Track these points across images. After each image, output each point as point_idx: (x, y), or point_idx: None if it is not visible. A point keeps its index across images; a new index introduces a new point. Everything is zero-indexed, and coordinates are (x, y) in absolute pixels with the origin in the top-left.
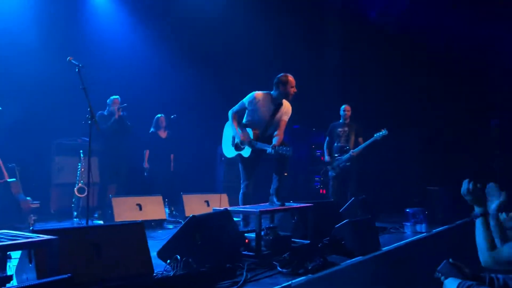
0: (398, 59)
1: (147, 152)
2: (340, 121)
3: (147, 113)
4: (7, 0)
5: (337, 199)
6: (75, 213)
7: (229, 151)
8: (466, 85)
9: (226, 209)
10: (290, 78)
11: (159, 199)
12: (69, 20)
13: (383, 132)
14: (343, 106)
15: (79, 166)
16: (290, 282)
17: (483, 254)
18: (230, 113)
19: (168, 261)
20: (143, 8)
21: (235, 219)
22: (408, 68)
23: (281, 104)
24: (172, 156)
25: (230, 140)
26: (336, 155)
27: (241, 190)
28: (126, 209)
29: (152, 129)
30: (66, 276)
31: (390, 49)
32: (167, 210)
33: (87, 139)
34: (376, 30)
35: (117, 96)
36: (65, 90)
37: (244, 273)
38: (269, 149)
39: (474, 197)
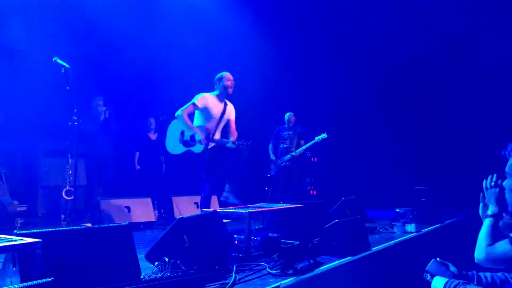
0: (386, 58)
1: (137, 154)
2: (285, 125)
3: (136, 115)
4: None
5: (278, 198)
6: (63, 216)
7: (175, 148)
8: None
9: (214, 210)
10: (224, 73)
11: (148, 201)
12: (52, 19)
13: (323, 135)
14: (288, 114)
15: (67, 168)
16: (279, 283)
17: (480, 251)
18: (180, 112)
19: (156, 263)
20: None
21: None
22: (395, 66)
23: (226, 104)
24: (163, 158)
25: (178, 137)
26: (279, 156)
27: (204, 191)
28: (114, 212)
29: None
30: (49, 280)
31: (380, 48)
32: (156, 212)
33: (73, 142)
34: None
35: (101, 98)
36: (52, 91)
37: (233, 274)
38: (229, 143)
39: (491, 194)
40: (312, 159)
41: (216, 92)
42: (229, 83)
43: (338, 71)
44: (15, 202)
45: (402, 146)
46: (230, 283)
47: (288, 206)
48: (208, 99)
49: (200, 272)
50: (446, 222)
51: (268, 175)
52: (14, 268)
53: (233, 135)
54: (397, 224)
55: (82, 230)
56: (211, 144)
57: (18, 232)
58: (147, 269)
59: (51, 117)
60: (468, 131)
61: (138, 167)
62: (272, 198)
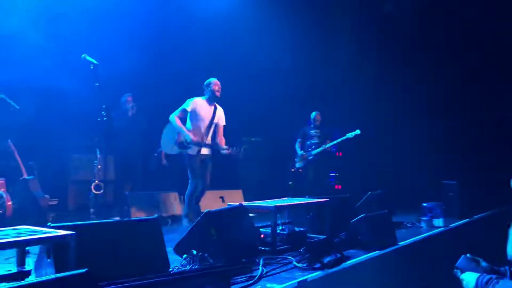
0: (416, 51)
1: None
2: (312, 124)
3: (162, 111)
4: (19, 1)
5: (303, 192)
6: (92, 210)
7: (170, 148)
8: (481, 78)
9: (240, 204)
10: (212, 79)
11: (175, 195)
12: (82, 18)
13: (356, 131)
14: (314, 113)
15: (96, 164)
16: (306, 277)
17: None
18: (172, 116)
19: (184, 255)
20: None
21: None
22: (425, 61)
23: (216, 108)
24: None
25: (173, 139)
26: (309, 150)
27: (188, 189)
28: (142, 205)
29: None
30: (83, 271)
31: (408, 41)
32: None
33: (103, 137)
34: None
35: (129, 94)
36: (81, 88)
37: (260, 267)
38: (223, 150)
39: None
40: (337, 154)
41: (206, 97)
42: (216, 87)
43: (363, 64)
44: (47, 196)
45: (429, 139)
46: (257, 276)
47: (314, 200)
48: (197, 103)
49: (227, 265)
50: (475, 217)
51: (292, 169)
52: (49, 260)
53: (221, 141)
54: (424, 218)
55: (113, 223)
56: (204, 150)
57: (51, 225)
58: (175, 262)
59: (80, 114)
60: (499, 123)
61: (165, 161)
62: (297, 192)
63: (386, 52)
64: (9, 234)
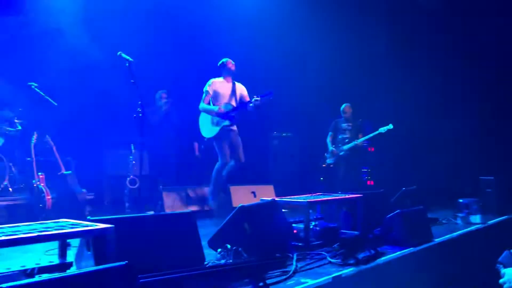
0: (451, 46)
1: (196, 144)
2: (343, 117)
3: (196, 107)
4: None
5: (335, 188)
6: (127, 204)
7: (211, 130)
8: None
9: (273, 199)
10: (225, 59)
11: (207, 190)
12: (116, 16)
13: (389, 126)
14: (344, 106)
15: (131, 159)
16: (340, 273)
17: None
18: (200, 105)
19: (219, 250)
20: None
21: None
22: (461, 54)
23: (234, 84)
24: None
25: (209, 122)
26: (339, 144)
27: (217, 164)
28: (176, 200)
29: None
30: (123, 263)
31: (441, 35)
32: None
33: (138, 133)
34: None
35: (164, 91)
36: (116, 85)
37: (294, 263)
38: (250, 103)
39: None
40: (369, 149)
41: (222, 76)
42: (230, 64)
43: (398, 56)
44: (84, 190)
45: (466, 133)
46: (291, 271)
47: (347, 196)
48: (215, 83)
49: (261, 260)
50: None
51: (324, 165)
52: (89, 252)
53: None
54: (460, 215)
55: (150, 216)
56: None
57: (91, 218)
58: (210, 256)
59: (116, 110)
60: None
61: (198, 153)
62: (329, 188)
63: (422, 45)
64: (51, 226)
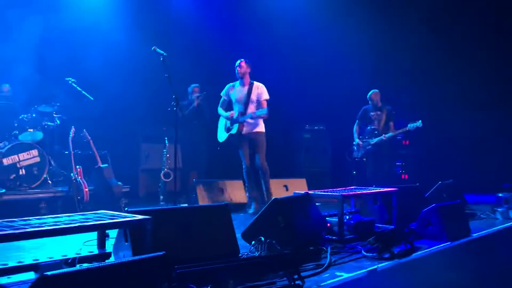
0: (487, 34)
1: None
2: (371, 105)
3: None
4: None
5: (373, 182)
6: (162, 197)
7: (222, 136)
8: None
9: (307, 193)
10: (237, 63)
11: (239, 183)
12: (151, 11)
13: (418, 123)
14: (371, 92)
15: (164, 152)
16: (375, 266)
17: None
18: (218, 108)
19: (253, 242)
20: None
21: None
22: (496, 46)
23: (252, 84)
24: None
25: (223, 128)
26: (366, 137)
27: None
28: (209, 193)
29: None
30: (161, 253)
31: (476, 26)
32: (247, 194)
33: (171, 127)
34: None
35: (197, 85)
36: (150, 79)
37: (328, 256)
38: (247, 116)
39: None
40: (404, 142)
41: (238, 81)
42: (237, 68)
43: (431, 47)
44: (120, 183)
45: (504, 126)
46: (326, 265)
47: (381, 189)
48: (230, 89)
49: (295, 252)
50: None
51: (356, 158)
52: (127, 243)
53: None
54: (499, 209)
55: (185, 208)
56: (245, 129)
57: (129, 210)
58: (243, 248)
59: (150, 104)
60: None
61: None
62: (361, 182)
63: (456, 36)
64: (91, 218)
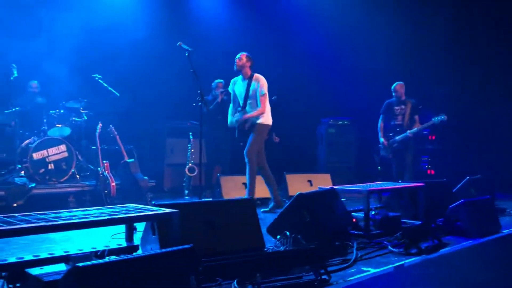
0: None
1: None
2: (395, 98)
3: None
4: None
5: (399, 179)
6: (186, 191)
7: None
8: None
9: (332, 187)
10: (239, 54)
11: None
12: (173, 8)
13: (441, 117)
14: (395, 84)
15: (189, 147)
16: (403, 262)
17: None
18: (230, 105)
19: (278, 236)
20: None
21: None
22: None
23: (251, 78)
24: (273, 134)
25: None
26: (391, 134)
27: None
28: (233, 188)
29: None
30: (188, 246)
31: (502, 13)
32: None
33: (195, 122)
34: None
35: (221, 80)
36: (174, 75)
37: (354, 251)
38: (238, 116)
39: None
40: (430, 137)
41: (241, 75)
42: (237, 61)
43: (460, 41)
44: (146, 178)
45: None
46: (352, 260)
47: (408, 184)
48: (234, 83)
49: (321, 247)
50: None
51: (384, 157)
52: (154, 236)
53: (249, 114)
54: None
55: (211, 202)
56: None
57: (156, 203)
58: (269, 242)
59: (174, 99)
60: None
61: (276, 139)
62: (386, 178)
63: (482, 26)
64: (119, 211)
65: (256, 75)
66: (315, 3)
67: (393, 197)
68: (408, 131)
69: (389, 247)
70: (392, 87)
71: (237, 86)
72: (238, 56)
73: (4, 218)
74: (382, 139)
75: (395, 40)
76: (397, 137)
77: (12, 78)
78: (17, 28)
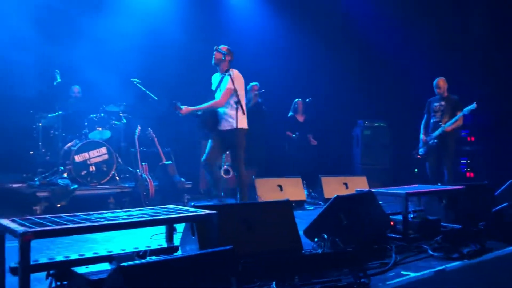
0: None
1: (310, 136)
2: (437, 94)
3: (285, 98)
4: (155, 3)
5: (434, 180)
6: (222, 193)
7: None
8: None
9: (370, 190)
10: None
11: (298, 180)
12: (210, 13)
13: (472, 106)
14: (437, 80)
15: None
16: (444, 267)
17: None
18: None
19: (316, 239)
20: None
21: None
22: None
23: (225, 73)
24: (310, 137)
25: None
26: (430, 131)
27: None
28: (268, 190)
29: (290, 113)
30: (228, 247)
31: None
32: (305, 191)
33: None
34: None
35: (256, 83)
36: (210, 78)
37: (393, 254)
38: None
39: None
40: (469, 139)
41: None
42: (215, 54)
43: (500, 37)
44: (183, 179)
45: None
46: (391, 263)
47: (448, 187)
48: (213, 78)
49: (359, 250)
50: None
51: (418, 156)
52: (193, 237)
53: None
54: None
55: (249, 204)
56: (223, 124)
57: (195, 204)
58: (306, 245)
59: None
60: None
61: (314, 142)
62: (423, 181)
63: None
64: (160, 212)
65: (233, 69)
66: (348, 5)
67: (432, 200)
68: (443, 126)
69: (429, 251)
70: (434, 83)
71: (213, 81)
72: (217, 49)
73: (52, 218)
74: (421, 136)
75: (434, 41)
76: (434, 133)
77: (55, 83)
78: (60, 36)
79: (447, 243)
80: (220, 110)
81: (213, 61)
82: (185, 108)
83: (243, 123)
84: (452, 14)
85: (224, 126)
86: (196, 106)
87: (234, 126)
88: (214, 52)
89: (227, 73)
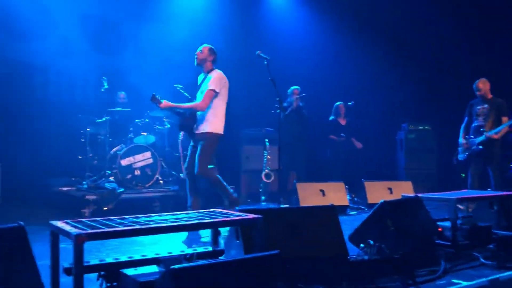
0: None
1: (353, 139)
2: (479, 97)
3: (327, 102)
4: (199, 9)
5: (477, 188)
6: (263, 197)
7: None
8: None
9: (417, 195)
10: (201, 47)
11: (341, 185)
12: (250, 17)
13: None
14: (476, 81)
15: (265, 154)
16: (498, 276)
17: None
18: None
19: (362, 245)
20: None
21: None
22: None
23: (208, 73)
24: (354, 140)
25: None
26: (471, 136)
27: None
28: (310, 194)
29: (332, 117)
30: (275, 252)
31: None
32: (348, 196)
33: (271, 129)
34: None
35: (297, 87)
36: (249, 83)
37: (443, 262)
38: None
39: None
40: None
41: None
42: (197, 53)
43: None
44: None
45: None
46: (440, 271)
47: (499, 193)
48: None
49: (407, 257)
50: None
51: (461, 160)
52: (238, 241)
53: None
54: None
55: (294, 208)
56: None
57: (239, 209)
58: (351, 251)
59: (250, 107)
60: None
61: (359, 145)
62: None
63: None
64: (206, 216)
65: (216, 70)
66: (393, 7)
67: (483, 206)
68: (486, 133)
69: (481, 259)
70: (474, 85)
71: (199, 81)
72: (199, 48)
73: (103, 221)
74: (461, 140)
75: (480, 42)
76: (477, 139)
77: (102, 90)
78: (107, 44)
79: (501, 251)
80: (199, 112)
81: (195, 62)
82: (164, 102)
83: (217, 127)
84: (493, 10)
85: (198, 129)
86: (177, 103)
87: (206, 130)
88: (196, 52)
89: (211, 74)
